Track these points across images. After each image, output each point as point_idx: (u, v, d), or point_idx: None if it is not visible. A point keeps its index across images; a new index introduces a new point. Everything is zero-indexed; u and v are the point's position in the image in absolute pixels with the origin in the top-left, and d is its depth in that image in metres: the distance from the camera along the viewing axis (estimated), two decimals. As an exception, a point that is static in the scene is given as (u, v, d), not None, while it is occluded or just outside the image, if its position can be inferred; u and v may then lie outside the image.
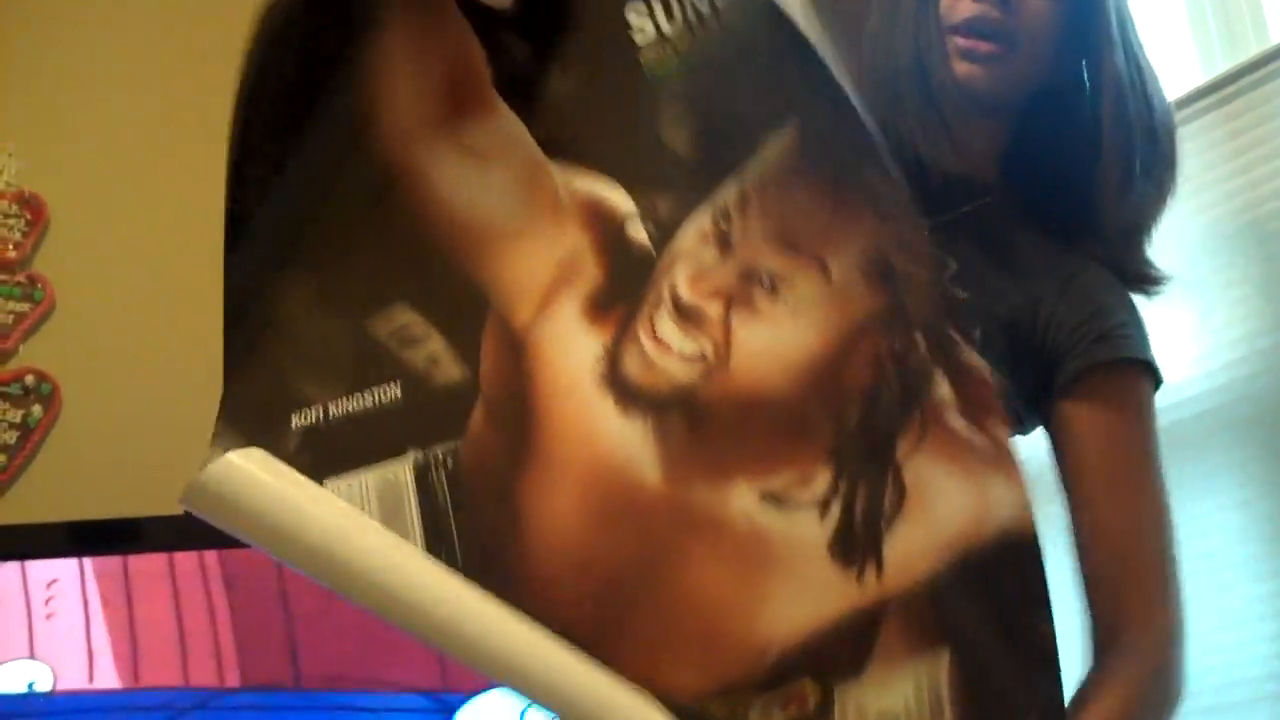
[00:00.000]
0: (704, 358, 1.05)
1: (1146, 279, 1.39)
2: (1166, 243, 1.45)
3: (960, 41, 1.35)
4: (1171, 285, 1.40)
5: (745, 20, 1.11)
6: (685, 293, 1.07)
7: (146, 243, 2.77)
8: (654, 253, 1.09)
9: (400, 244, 1.18)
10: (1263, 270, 1.62)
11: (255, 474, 1.13)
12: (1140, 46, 1.41)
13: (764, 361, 1.04)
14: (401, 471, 1.13)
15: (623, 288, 1.09)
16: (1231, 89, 1.69)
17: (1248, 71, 1.67)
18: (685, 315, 1.06)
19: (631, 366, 1.07)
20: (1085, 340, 1.30)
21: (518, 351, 1.12)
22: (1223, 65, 1.75)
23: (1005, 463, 0.99)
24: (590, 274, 1.11)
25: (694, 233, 1.08)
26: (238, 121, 1.20)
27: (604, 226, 1.12)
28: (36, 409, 2.52)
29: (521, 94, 1.17)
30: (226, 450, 1.13)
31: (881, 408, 1.01)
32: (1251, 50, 1.72)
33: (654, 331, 1.07)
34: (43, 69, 2.80)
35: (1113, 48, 1.38)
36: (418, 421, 1.13)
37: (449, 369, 1.14)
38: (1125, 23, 1.40)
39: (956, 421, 1.00)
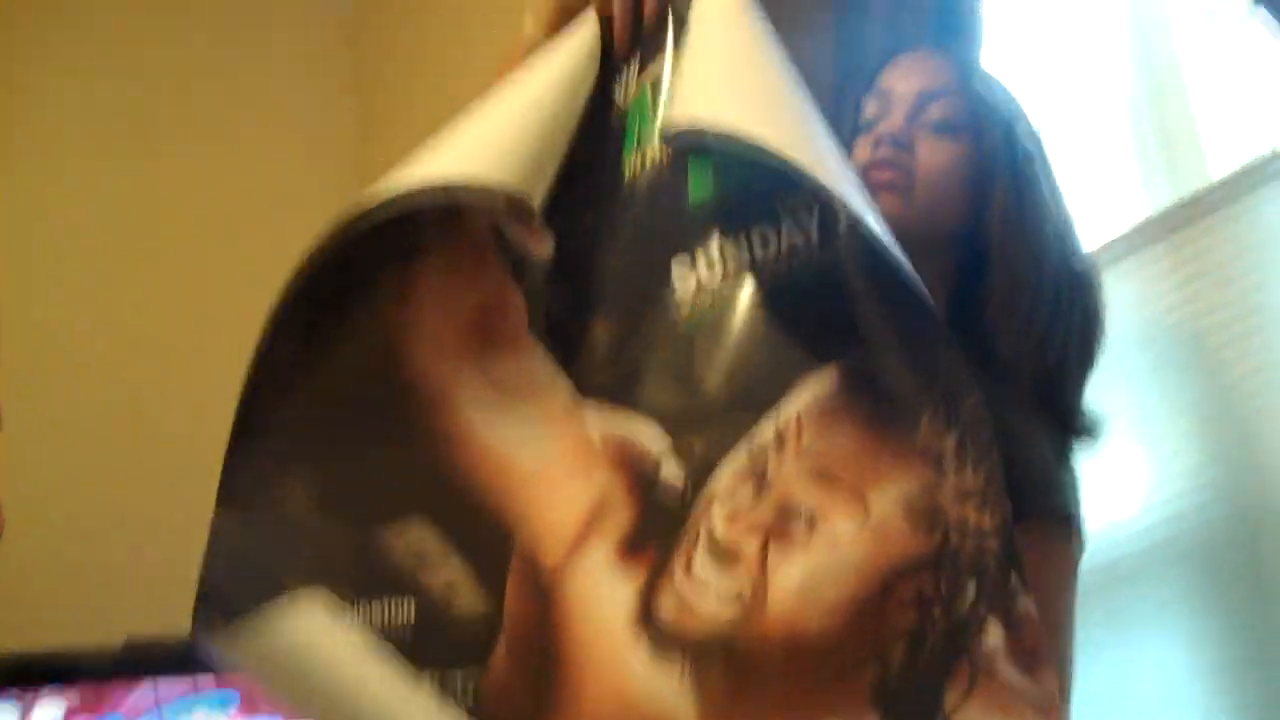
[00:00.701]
0: (741, 597, 1.01)
1: (1080, 428, 1.40)
2: (1115, 374, 1.46)
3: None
4: (1108, 433, 1.40)
5: (792, 265, 1.11)
6: (721, 531, 1.04)
7: (94, 369, 2.76)
8: (688, 494, 1.07)
9: (419, 458, 1.16)
10: (1209, 403, 1.63)
11: (327, 631, 1.09)
12: (1044, 196, 1.44)
13: (802, 599, 1.00)
14: None
15: (656, 530, 1.07)
16: (1175, 223, 1.71)
17: (1191, 206, 1.70)
18: (721, 553, 1.03)
19: (666, 608, 1.04)
20: (1021, 488, 1.30)
21: (546, 592, 1.09)
22: (1167, 200, 1.78)
23: (1053, 714, 0.96)
24: (622, 516, 1.09)
25: (730, 473, 1.06)
26: (271, 316, 1.16)
27: (636, 468, 1.10)
28: (-21, 536, 2.49)
29: (557, 338, 1.18)
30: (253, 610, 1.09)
31: (927, 652, 0.97)
32: (1195, 185, 1.75)
33: (690, 571, 1.04)
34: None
35: (1000, 196, 1.41)
36: (434, 646, 1.10)
37: (469, 598, 1.11)
38: (1024, 167, 1.44)
39: (1009, 671, 0.96)
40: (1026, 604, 0.96)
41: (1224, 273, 1.65)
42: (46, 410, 2.68)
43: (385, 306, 1.19)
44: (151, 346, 2.85)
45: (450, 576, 1.11)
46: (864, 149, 1.43)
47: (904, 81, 1.47)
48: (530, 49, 1.37)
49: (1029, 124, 1.48)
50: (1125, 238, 1.74)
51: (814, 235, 1.10)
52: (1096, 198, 1.85)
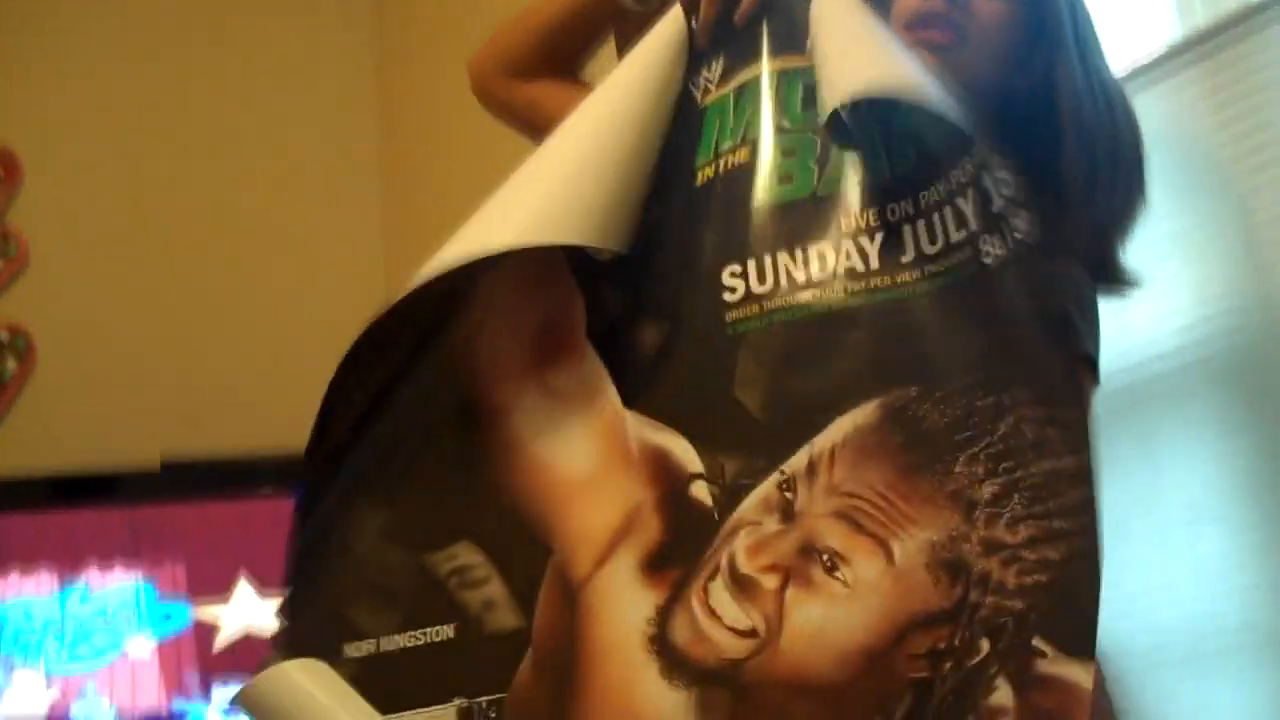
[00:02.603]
0: (755, 633, 1.01)
1: (1117, 280, 1.41)
2: (1151, 197, 1.46)
3: (907, 36, 1.37)
4: (1141, 289, 1.43)
5: (848, 291, 1.08)
6: (743, 562, 1.03)
7: (121, 197, 2.77)
8: (715, 515, 1.06)
9: (473, 481, 1.17)
10: (1244, 226, 1.63)
11: (309, 692, 1.11)
12: (1101, 55, 1.43)
13: (815, 643, 1.00)
14: None
15: (681, 549, 1.07)
16: (1211, 44, 1.69)
17: (1227, 27, 1.67)
18: (740, 586, 1.03)
19: (681, 633, 1.04)
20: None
21: (572, 605, 1.09)
22: (1202, 20, 1.75)
23: None
24: (650, 531, 1.08)
25: (758, 500, 1.05)
26: (350, 354, 1.17)
27: (669, 483, 1.09)
28: (11, 364, 2.51)
29: (611, 343, 1.17)
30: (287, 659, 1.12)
31: (933, 708, 0.96)
32: (1231, 4, 1.73)
33: (707, 600, 1.04)
34: (18, 24, 2.78)
35: (1068, 54, 1.40)
36: (466, 668, 1.11)
37: (503, 616, 1.12)
38: (1083, 31, 1.43)
39: None
40: (1053, 666, 0.93)
41: (1260, 96, 1.63)
42: (77, 241, 2.70)
43: (455, 318, 1.19)
44: (183, 171, 2.85)
45: (490, 594, 1.13)
46: None
47: None
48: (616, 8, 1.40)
49: None
50: (1159, 59, 1.73)
51: (873, 262, 1.08)
52: (1132, 17, 1.84)
